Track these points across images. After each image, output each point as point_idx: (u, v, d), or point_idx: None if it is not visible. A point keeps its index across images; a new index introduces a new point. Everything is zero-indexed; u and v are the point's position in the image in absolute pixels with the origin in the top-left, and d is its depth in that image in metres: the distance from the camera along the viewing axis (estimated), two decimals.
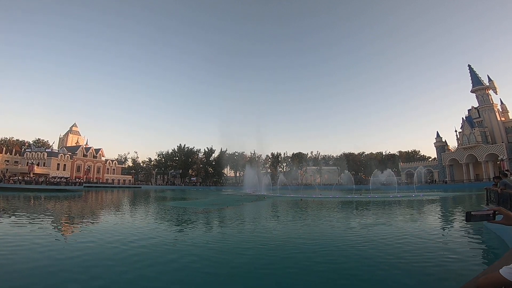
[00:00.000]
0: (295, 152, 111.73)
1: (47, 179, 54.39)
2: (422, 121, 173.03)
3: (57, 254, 6.95)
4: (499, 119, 62.87)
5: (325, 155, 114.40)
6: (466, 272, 5.50)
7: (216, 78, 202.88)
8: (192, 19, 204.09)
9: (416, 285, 5.05)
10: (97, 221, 13.49)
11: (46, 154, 70.86)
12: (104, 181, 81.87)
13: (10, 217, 13.75)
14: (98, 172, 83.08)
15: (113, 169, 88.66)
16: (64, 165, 73.57)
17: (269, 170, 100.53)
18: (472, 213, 1.61)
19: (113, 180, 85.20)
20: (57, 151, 75.39)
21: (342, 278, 5.38)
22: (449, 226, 11.57)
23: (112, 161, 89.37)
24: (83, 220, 13.63)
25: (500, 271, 1.21)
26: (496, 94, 63.98)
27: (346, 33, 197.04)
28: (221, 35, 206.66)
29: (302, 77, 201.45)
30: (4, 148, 69.88)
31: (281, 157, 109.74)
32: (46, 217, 14.34)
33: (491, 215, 1.57)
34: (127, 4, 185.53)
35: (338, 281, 5.29)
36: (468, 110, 69.96)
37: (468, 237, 9.18)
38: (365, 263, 6.26)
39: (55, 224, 12.14)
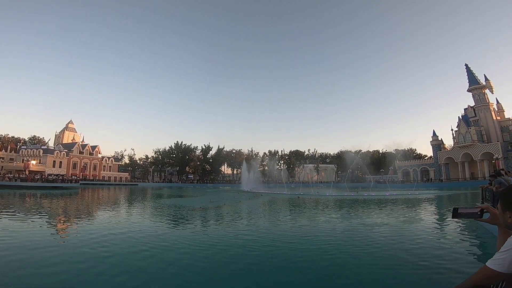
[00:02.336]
0: (292, 150, 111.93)
1: (43, 177, 53.92)
2: (419, 120, 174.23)
3: (20, 252, 6.79)
4: (494, 118, 63.33)
5: (323, 153, 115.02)
6: (462, 272, 5.50)
7: (215, 78, 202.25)
8: (192, 19, 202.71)
9: (410, 285, 5.03)
10: (87, 219, 13.24)
11: (41, 151, 70.15)
12: (101, 178, 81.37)
13: None
14: (94, 169, 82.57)
15: (110, 166, 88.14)
16: (60, 162, 72.96)
17: (266, 168, 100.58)
18: (459, 210, 1.58)
19: (109, 177, 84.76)
20: (53, 148, 74.72)
21: (333, 278, 5.36)
22: (444, 225, 11.61)
23: (109, 158, 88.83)
24: (71, 218, 13.37)
25: (487, 264, 1.24)
26: (492, 93, 64.38)
27: (345, 33, 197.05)
28: (221, 34, 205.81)
29: (301, 76, 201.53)
30: None
31: (278, 155, 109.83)
32: (33, 215, 14.09)
33: (478, 212, 1.55)
34: (127, 4, 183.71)
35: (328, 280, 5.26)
36: (465, 109, 70.38)
37: (464, 236, 9.21)
38: (359, 263, 6.24)
39: (39, 222, 11.81)
